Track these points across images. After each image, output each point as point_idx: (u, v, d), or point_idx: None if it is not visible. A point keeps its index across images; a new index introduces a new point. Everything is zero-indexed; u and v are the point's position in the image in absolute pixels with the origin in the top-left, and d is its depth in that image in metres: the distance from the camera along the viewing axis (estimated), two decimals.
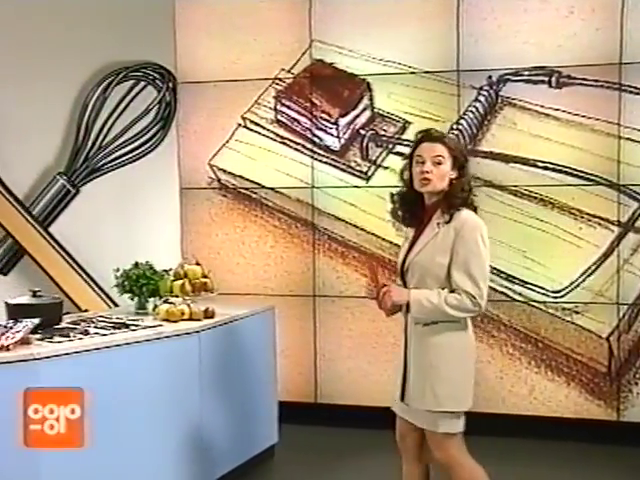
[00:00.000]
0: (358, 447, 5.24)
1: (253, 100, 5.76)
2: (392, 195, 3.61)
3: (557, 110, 5.24)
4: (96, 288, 6.12)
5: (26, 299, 4.12)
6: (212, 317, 4.46)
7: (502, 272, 5.39)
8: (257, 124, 5.77)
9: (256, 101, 5.76)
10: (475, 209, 3.44)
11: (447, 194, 3.39)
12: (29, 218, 6.14)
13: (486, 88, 5.36)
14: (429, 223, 3.42)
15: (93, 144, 6.14)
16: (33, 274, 6.10)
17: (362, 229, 5.61)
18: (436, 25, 5.39)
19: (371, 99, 5.58)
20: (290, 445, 5.14)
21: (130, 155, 6.12)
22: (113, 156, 6.14)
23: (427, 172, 3.36)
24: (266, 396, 4.95)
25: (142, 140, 6.10)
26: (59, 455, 3.43)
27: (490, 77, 5.33)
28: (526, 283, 5.38)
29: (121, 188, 6.08)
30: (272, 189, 5.78)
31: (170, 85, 6.03)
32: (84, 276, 6.13)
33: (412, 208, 3.50)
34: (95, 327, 4.16)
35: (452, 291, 3.36)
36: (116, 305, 5.69)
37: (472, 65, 5.35)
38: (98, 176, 6.17)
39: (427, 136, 3.45)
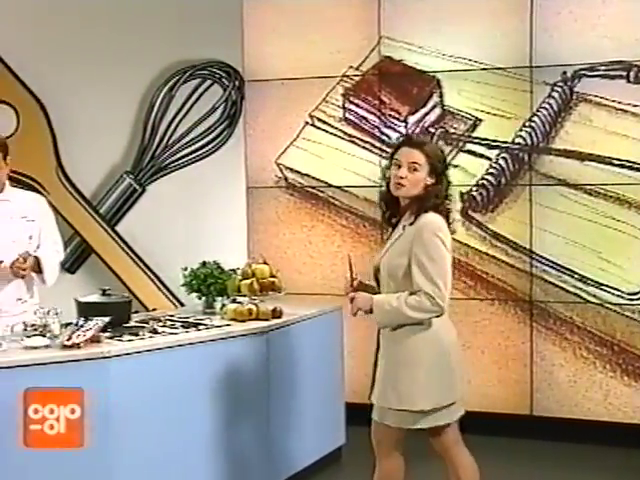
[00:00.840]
0: (424, 450, 5.14)
1: (321, 98, 5.72)
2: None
3: (636, 106, 5.09)
4: (162, 287, 6.12)
5: (96, 297, 4.12)
6: (280, 317, 4.42)
7: (576, 273, 5.28)
8: (325, 122, 5.72)
9: (324, 99, 5.71)
10: (447, 216, 3.45)
11: (419, 198, 3.42)
12: (96, 217, 6.16)
13: (560, 84, 5.24)
14: (398, 225, 3.50)
15: (159, 143, 6.14)
16: (100, 273, 6.13)
17: None
18: (509, 20, 5.29)
19: (441, 96, 5.50)
20: (357, 447, 5.03)
21: (196, 154, 6.11)
22: (179, 155, 6.14)
23: (401, 177, 3.40)
24: (333, 397, 4.90)
25: (208, 139, 6.09)
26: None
27: (565, 73, 5.21)
28: (601, 285, 5.24)
29: (187, 187, 6.07)
30: (339, 188, 5.73)
31: (236, 83, 6.01)
32: (150, 275, 6.14)
33: (390, 209, 3.56)
34: (164, 326, 4.16)
35: (412, 293, 3.37)
36: (182, 304, 5.69)
37: (546, 61, 5.24)
38: (164, 175, 6.17)
39: (407, 141, 3.52)
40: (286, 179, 5.85)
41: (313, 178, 5.78)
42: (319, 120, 5.74)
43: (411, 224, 3.41)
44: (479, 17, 5.36)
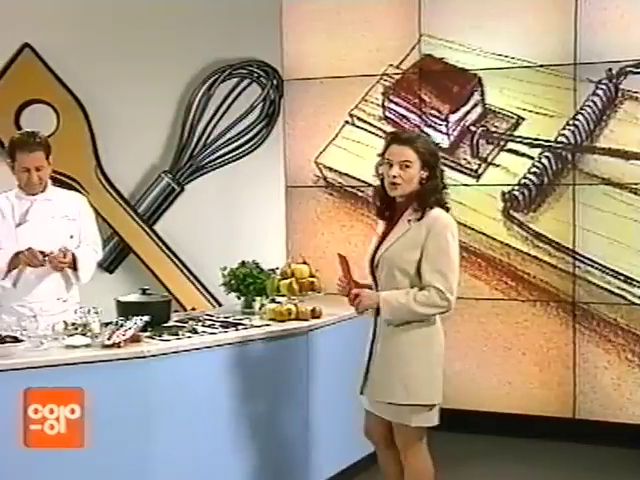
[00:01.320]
0: (465, 453, 5.11)
1: (360, 97, 5.69)
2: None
3: None
4: (200, 287, 6.10)
5: (136, 297, 4.12)
6: (319, 317, 4.39)
7: (620, 274, 5.20)
8: (364, 121, 5.69)
9: (363, 98, 5.69)
10: (448, 209, 3.48)
11: (419, 194, 3.43)
12: (134, 216, 6.16)
13: (605, 81, 5.16)
14: (400, 220, 3.47)
15: (198, 142, 6.13)
16: (138, 272, 6.12)
17: (471, 228, 5.47)
18: (552, 16, 5.22)
19: (482, 95, 5.45)
20: None
21: (234, 153, 6.09)
22: (217, 154, 6.12)
23: (394, 177, 3.41)
24: None
25: (246, 138, 6.08)
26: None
27: (610, 70, 5.13)
28: None
29: (226, 186, 6.06)
30: None
31: (274, 82, 5.99)
32: (188, 275, 6.13)
33: (384, 203, 3.56)
34: (203, 326, 4.14)
35: (421, 289, 3.39)
36: (219, 304, 5.67)
37: (590, 57, 5.17)
38: (203, 174, 6.15)
39: (395, 138, 3.50)
40: (325, 178, 5.82)
41: (352, 177, 5.74)
42: (359, 119, 5.70)
43: (418, 219, 3.41)
44: (522, 13, 5.29)
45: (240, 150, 6.08)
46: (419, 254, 3.39)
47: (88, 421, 3.23)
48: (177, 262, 6.14)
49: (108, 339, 3.57)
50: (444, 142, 5.51)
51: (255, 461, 4.05)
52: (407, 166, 3.40)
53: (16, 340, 3.49)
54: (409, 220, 3.44)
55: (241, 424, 3.98)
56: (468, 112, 5.47)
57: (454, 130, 5.49)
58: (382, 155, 3.49)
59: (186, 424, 3.74)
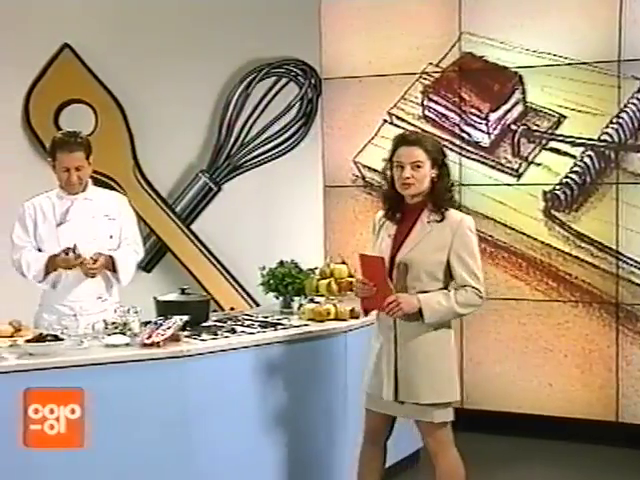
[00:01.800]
0: (504, 455, 5.06)
1: (399, 95, 5.65)
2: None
3: None
4: (237, 286, 6.09)
5: (175, 296, 4.11)
6: (358, 317, 4.35)
7: None
8: (403, 120, 5.65)
9: (402, 96, 5.64)
10: (459, 206, 3.61)
11: (433, 195, 3.47)
12: (172, 215, 6.17)
13: None
14: (417, 221, 3.49)
15: (235, 141, 6.13)
16: (175, 271, 6.13)
17: (512, 228, 5.41)
18: (596, 12, 5.14)
19: (523, 93, 5.38)
20: None
21: (272, 152, 6.08)
22: (255, 153, 6.12)
23: (407, 178, 3.44)
24: None
25: (284, 137, 6.06)
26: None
27: None
28: None
29: (263, 185, 6.05)
30: None
31: (312, 81, 5.97)
32: (225, 274, 6.12)
33: (394, 206, 3.57)
34: (242, 325, 4.13)
35: (445, 288, 3.46)
36: (257, 304, 5.66)
37: (635, 54, 5.08)
38: (240, 173, 6.15)
39: (404, 140, 3.52)
40: (363, 178, 5.78)
41: None
42: (398, 118, 5.66)
43: (438, 221, 3.44)
44: (564, 10, 5.22)
45: (277, 149, 6.07)
46: (446, 256, 3.44)
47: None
48: (214, 262, 6.13)
49: (147, 338, 3.57)
50: (484, 141, 5.46)
51: (292, 461, 4.03)
52: (418, 166, 3.44)
53: (57, 339, 3.50)
54: (429, 222, 3.46)
55: (278, 425, 3.96)
56: (509, 110, 5.41)
57: (495, 129, 5.43)
58: (390, 159, 3.51)
59: (222, 423, 3.74)
